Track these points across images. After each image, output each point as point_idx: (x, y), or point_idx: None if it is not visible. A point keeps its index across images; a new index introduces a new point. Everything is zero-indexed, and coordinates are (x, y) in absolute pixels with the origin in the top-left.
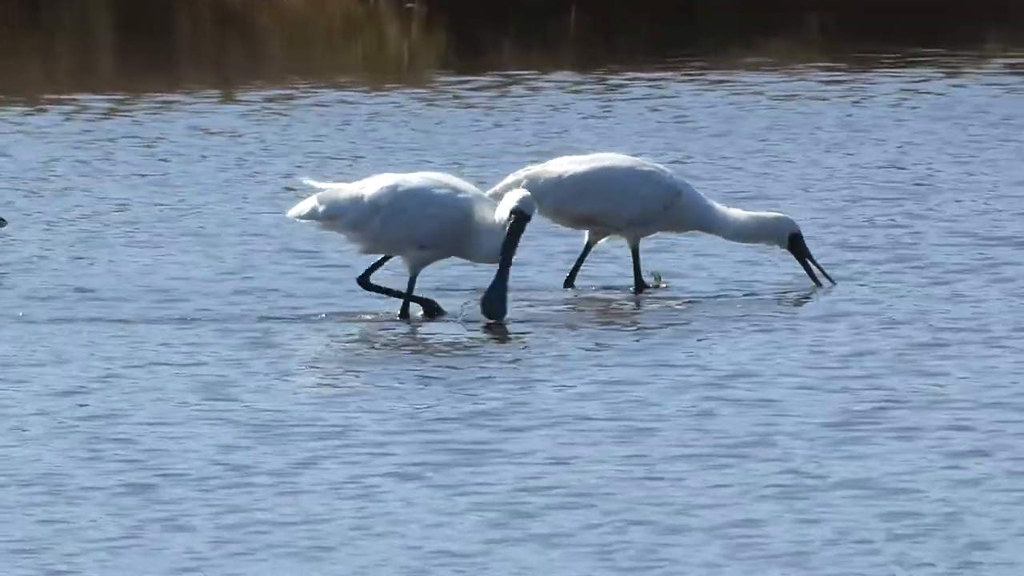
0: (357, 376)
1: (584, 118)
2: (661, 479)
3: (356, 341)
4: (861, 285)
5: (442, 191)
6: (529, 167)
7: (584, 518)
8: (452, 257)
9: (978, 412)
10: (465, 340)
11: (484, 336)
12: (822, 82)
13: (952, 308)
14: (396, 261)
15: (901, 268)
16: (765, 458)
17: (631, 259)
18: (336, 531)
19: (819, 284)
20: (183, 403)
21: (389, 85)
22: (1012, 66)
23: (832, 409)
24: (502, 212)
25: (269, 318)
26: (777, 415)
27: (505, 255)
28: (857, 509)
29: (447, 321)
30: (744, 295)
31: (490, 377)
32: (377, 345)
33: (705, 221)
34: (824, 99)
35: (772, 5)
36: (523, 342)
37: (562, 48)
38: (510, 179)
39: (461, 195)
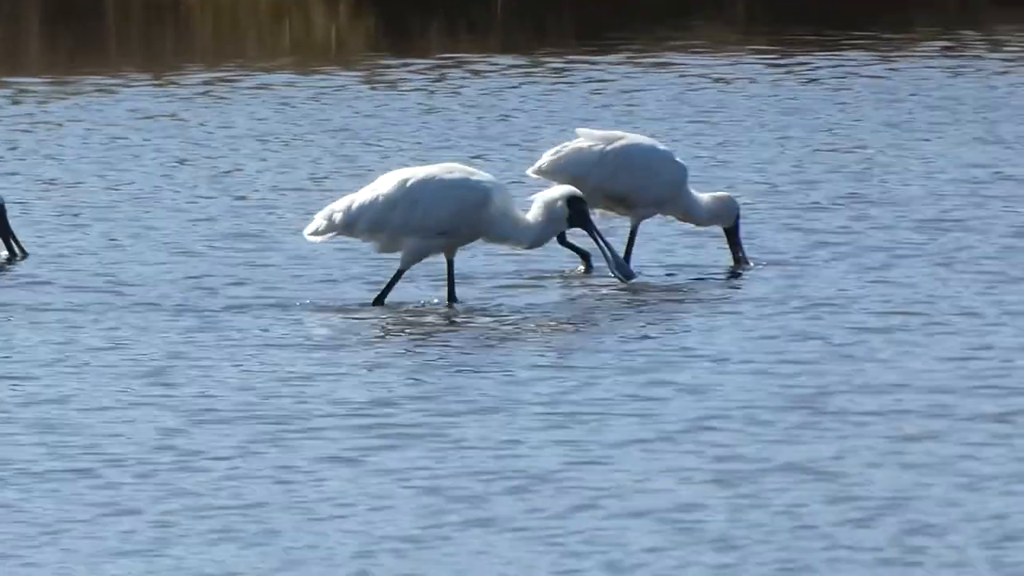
0: (304, 362)
1: (526, 101)
2: (605, 464)
3: (303, 326)
4: (806, 267)
5: (455, 176)
6: (562, 146)
7: (528, 503)
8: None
9: (922, 396)
10: (414, 327)
11: (432, 321)
12: (762, 64)
13: (896, 291)
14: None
15: (847, 251)
16: (709, 442)
17: (628, 238)
18: (279, 516)
19: (743, 265)
20: (126, 389)
21: (322, 69)
22: (945, 49)
23: (775, 393)
24: (546, 209)
25: (214, 304)
26: (721, 399)
27: (594, 238)
28: (801, 493)
29: (402, 309)
30: (691, 279)
31: (435, 362)
32: (324, 331)
33: (692, 208)
34: (760, 81)
35: None
36: (470, 328)
37: (491, 32)
38: (548, 157)
39: (476, 179)
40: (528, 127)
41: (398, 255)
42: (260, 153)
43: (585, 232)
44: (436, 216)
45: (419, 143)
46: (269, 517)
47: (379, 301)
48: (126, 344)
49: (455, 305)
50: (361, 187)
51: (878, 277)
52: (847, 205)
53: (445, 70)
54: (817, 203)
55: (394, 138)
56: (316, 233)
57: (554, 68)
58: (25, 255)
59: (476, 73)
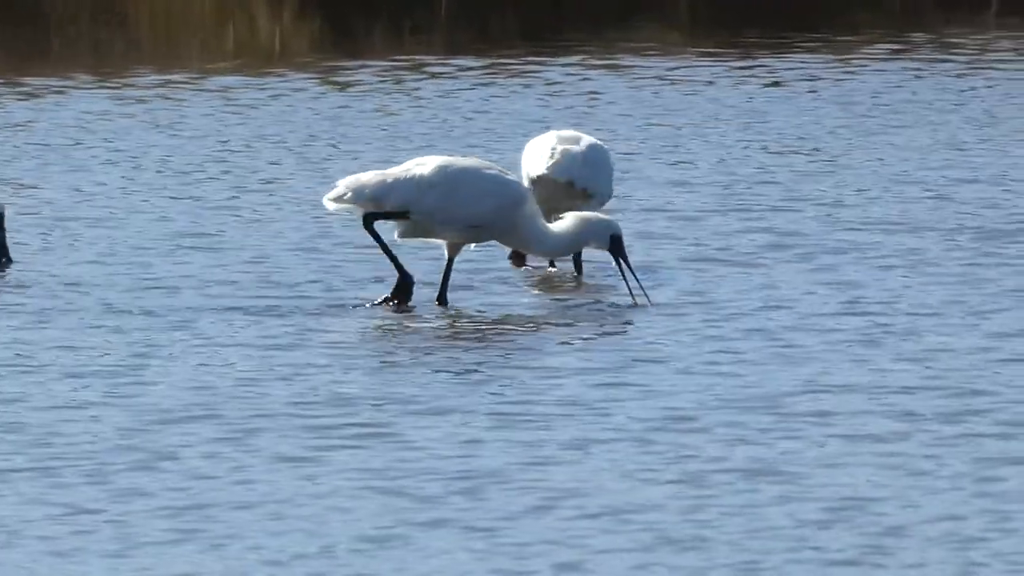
0: (262, 363)
1: (483, 102)
2: (560, 464)
3: (262, 327)
4: (759, 268)
5: (495, 172)
6: (557, 138)
7: (486, 503)
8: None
9: (881, 397)
10: (373, 327)
11: (391, 322)
12: (715, 66)
13: (854, 292)
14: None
15: (805, 252)
16: (663, 442)
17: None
18: (237, 516)
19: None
20: (81, 389)
21: (268, 71)
22: (896, 51)
23: (733, 394)
24: (586, 226)
25: (172, 305)
26: (679, 400)
27: (622, 266)
28: (758, 494)
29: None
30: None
31: (394, 363)
32: (283, 332)
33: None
34: (716, 83)
35: None
36: (432, 328)
37: (435, 33)
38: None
39: (513, 178)
40: (488, 129)
41: (399, 240)
42: (214, 155)
43: (615, 260)
44: (475, 209)
45: (371, 144)
46: (227, 517)
47: (441, 299)
48: (82, 346)
49: (446, 308)
50: (323, 187)
51: (835, 278)
52: (805, 206)
53: (397, 72)
54: (776, 205)
55: (349, 140)
56: (339, 200)
57: (507, 69)
58: (10, 261)
59: (432, 75)
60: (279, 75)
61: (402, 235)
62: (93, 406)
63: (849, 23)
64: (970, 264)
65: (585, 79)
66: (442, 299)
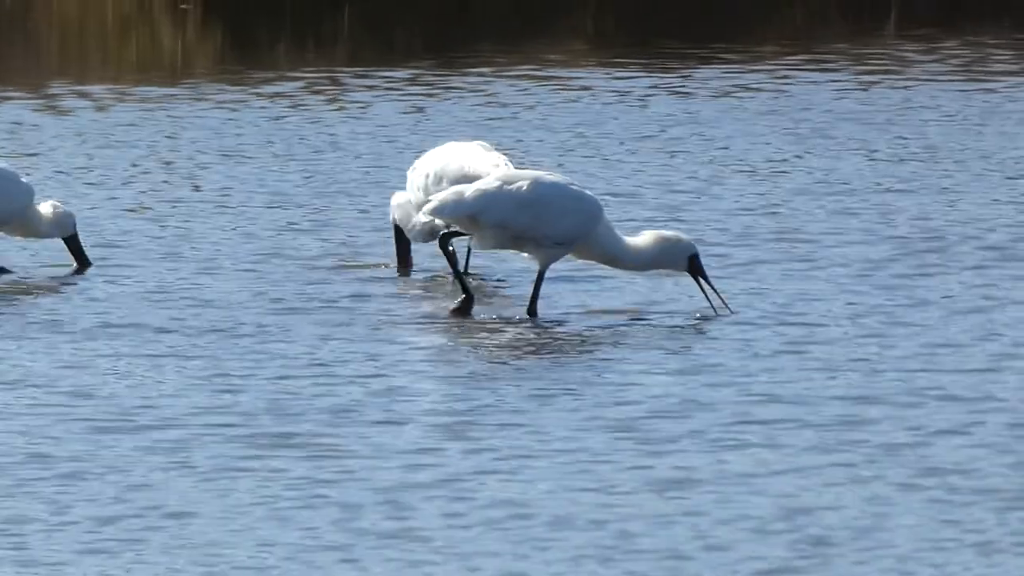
0: (211, 374)
1: (389, 114)
2: (520, 473)
3: (204, 341)
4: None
5: (575, 187)
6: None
7: (443, 513)
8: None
9: (818, 409)
10: (337, 335)
11: (348, 333)
12: (628, 78)
13: (783, 303)
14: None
15: (737, 263)
16: (616, 452)
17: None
18: (181, 525)
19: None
20: (17, 400)
21: (172, 82)
22: (808, 62)
23: (670, 405)
24: (666, 244)
25: (84, 319)
26: (629, 412)
27: (703, 284)
28: (706, 504)
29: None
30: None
31: (345, 374)
32: (229, 345)
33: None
34: (631, 94)
35: (543, 5)
36: (393, 341)
37: (339, 46)
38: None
39: (589, 193)
40: (392, 139)
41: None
42: (122, 168)
43: (696, 279)
44: (561, 226)
45: (289, 156)
46: (171, 527)
47: (531, 311)
48: (16, 359)
49: (534, 320)
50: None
51: (760, 287)
52: (729, 217)
53: (302, 84)
54: (703, 216)
55: (265, 154)
56: (439, 214)
57: (412, 81)
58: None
59: (336, 87)
60: (181, 86)
61: (483, 246)
62: (22, 416)
63: (753, 34)
64: (901, 275)
65: (490, 90)
66: (532, 310)
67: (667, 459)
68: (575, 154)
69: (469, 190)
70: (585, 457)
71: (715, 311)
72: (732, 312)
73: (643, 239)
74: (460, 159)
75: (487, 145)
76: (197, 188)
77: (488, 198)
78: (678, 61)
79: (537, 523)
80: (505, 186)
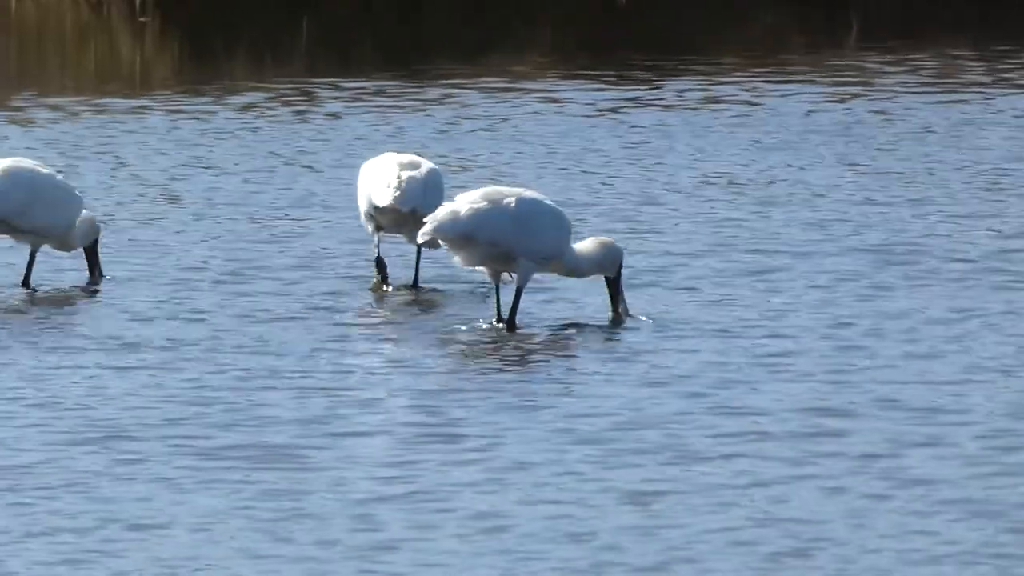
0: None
1: (346, 127)
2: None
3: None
4: (647, 290)
5: (549, 202)
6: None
7: (414, 524)
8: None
9: (790, 420)
10: (308, 347)
11: (305, 348)
12: (593, 90)
13: (750, 314)
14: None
15: (699, 274)
16: (588, 464)
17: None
18: (134, 538)
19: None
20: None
21: (130, 94)
22: (773, 74)
23: (646, 419)
24: (606, 251)
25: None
26: (601, 424)
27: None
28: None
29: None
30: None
31: (311, 386)
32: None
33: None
34: (599, 107)
35: (495, 19)
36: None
37: (295, 60)
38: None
39: (560, 209)
40: (353, 153)
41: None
42: (84, 179)
43: (616, 284)
44: (549, 241)
45: (257, 168)
46: (140, 539)
47: (511, 326)
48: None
49: (510, 332)
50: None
51: (734, 298)
52: (700, 228)
53: (259, 97)
54: (673, 227)
55: (226, 166)
56: (439, 233)
57: (368, 95)
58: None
59: (291, 101)
60: (144, 98)
61: (468, 263)
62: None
63: (713, 48)
64: (873, 286)
65: (445, 104)
66: (511, 325)
67: (640, 471)
68: (551, 166)
69: (463, 209)
70: (558, 470)
71: (621, 317)
72: (645, 320)
73: (588, 245)
74: (370, 180)
75: (411, 158)
76: (167, 200)
77: (481, 216)
78: (643, 73)
79: (511, 536)
80: (496, 203)
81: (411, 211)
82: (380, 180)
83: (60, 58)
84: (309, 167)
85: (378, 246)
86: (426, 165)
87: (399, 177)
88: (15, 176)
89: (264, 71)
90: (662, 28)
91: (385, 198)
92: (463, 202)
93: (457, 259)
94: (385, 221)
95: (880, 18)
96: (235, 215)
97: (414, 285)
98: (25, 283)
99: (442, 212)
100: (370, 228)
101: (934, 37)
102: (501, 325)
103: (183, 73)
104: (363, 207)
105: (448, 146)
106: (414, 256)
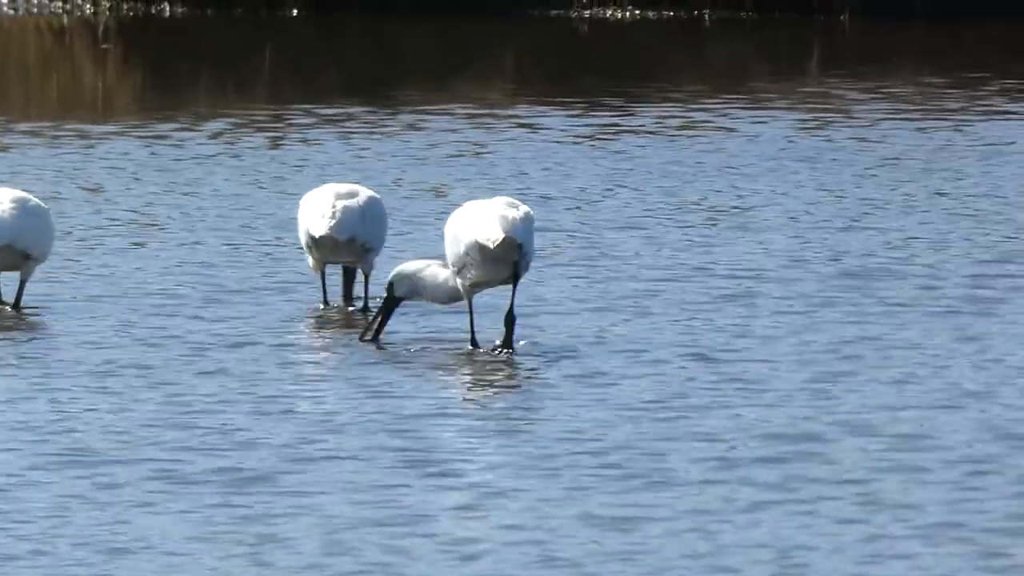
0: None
1: (311, 154)
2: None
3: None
4: (620, 314)
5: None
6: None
7: (395, 548)
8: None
9: (763, 445)
10: (280, 371)
11: (296, 368)
12: (560, 116)
13: (721, 338)
14: None
15: (670, 300)
16: (564, 490)
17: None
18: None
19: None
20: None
21: (95, 121)
22: (741, 99)
23: (620, 444)
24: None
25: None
26: (576, 448)
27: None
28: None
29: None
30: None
31: (293, 411)
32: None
33: None
34: (571, 133)
35: (457, 45)
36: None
37: (258, 87)
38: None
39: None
40: (321, 179)
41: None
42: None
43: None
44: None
45: (224, 193)
46: (115, 563)
47: (474, 343)
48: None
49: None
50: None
51: (707, 323)
52: (674, 254)
53: (222, 124)
54: (645, 252)
55: (200, 190)
56: (515, 232)
57: (332, 122)
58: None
59: (255, 128)
60: (109, 124)
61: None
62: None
63: (677, 75)
64: (848, 311)
65: (410, 131)
66: (474, 342)
67: (617, 497)
68: (532, 192)
69: (519, 215)
70: (535, 495)
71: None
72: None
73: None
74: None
75: (349, 188)
76: (140, 225)
77: (527, 224)
78: (612, 99)
79: (486, 562)
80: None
81: (348, 240)
82: (316, 211)
83: (23, 83)
84: (282, 191)
85: (324, 291)
86: (364, 194)
87: (334, 207)
88: (29, 208)
89: (227, 98)
90: (623, 55)
91: (321, 228)
92: (516, 212)
93: (476, 274)
94: (324, 252)
95: (847, 44)
96: (209, 239)
97: (364, 308)
98: (16, 306)
99: (516, 213)
100: (311, 262)
101: (904, 64)
102: (478, 348)
103: (145, 99)
104: (303, 239)
105: (424, 172)
106: (362, 283)
